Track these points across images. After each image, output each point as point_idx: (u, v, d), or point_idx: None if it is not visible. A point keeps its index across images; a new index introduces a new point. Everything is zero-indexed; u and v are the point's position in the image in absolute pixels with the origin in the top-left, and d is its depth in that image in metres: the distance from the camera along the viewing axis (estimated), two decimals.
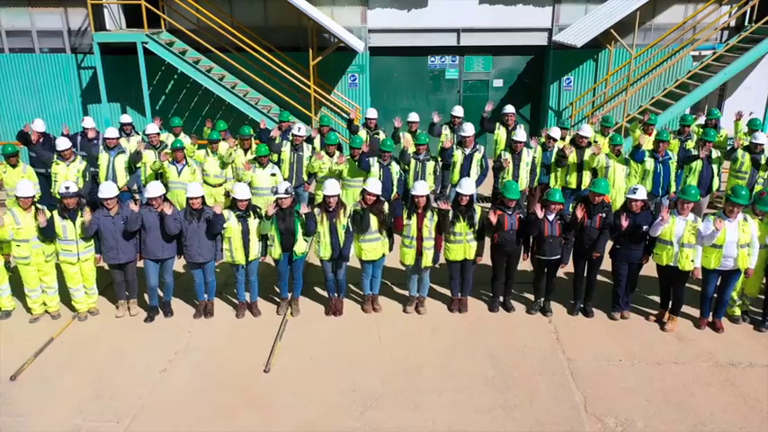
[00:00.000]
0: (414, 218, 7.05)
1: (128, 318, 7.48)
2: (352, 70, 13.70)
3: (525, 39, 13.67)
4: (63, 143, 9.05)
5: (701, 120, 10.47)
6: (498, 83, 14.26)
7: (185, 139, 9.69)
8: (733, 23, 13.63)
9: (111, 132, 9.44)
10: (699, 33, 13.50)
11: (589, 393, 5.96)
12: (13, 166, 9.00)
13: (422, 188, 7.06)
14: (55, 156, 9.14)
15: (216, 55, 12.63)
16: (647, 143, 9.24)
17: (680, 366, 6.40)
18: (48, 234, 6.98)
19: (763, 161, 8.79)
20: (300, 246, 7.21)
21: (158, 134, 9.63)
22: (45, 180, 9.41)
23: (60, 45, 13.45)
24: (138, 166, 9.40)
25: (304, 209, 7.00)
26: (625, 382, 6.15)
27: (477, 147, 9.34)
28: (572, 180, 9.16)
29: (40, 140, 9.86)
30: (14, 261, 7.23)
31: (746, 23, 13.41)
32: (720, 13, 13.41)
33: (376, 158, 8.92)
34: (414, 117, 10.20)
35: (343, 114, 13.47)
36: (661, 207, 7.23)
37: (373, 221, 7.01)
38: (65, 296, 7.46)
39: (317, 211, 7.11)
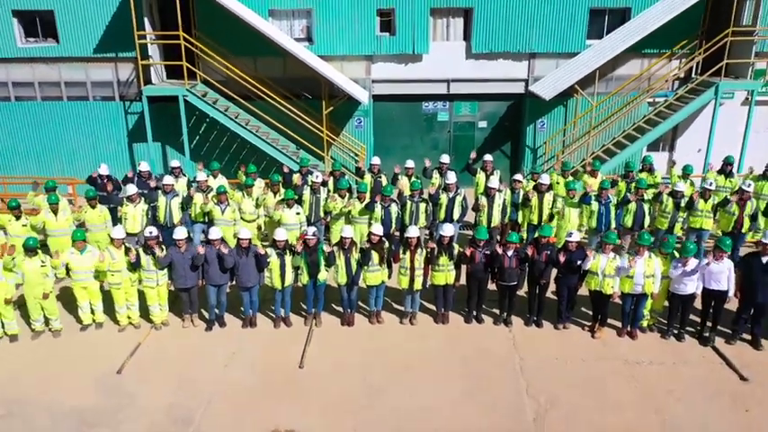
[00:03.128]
0: (407, 253, 9.46)
1: (191, 328, 9.89)
2: (359, 114, 16.13)
3: (505, 87, 16.12)
4: (131, 189, 11.46)
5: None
6: (483, 124, 16.72)
7: (224, 182, 12.13)
8: (682, 75, 16.06)
9: (168, 180, 11.82)
10: (653, 83, 15.95)
11: (531, 382, 8.36)
12: (93, 207, 11.40)
13: (414, 232, 9.47)
14: (124, 198, 11.57)
15: (242, 102, 15.07)
16: (595, 186, 11.66)
17: (600, 363, 8.80)
18: (136, 266, 9.40)
19: (682, 204, 11.18)
20: (323, 274, 9.62)
21: (206, 180, 12.04)
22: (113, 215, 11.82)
23: (110, 94, 15.91)
24: (189, 206, 11.80)
25: (327, 248, 9.41)
26: (558, 374, 8.54)
27: (459, 191, 11.74)
28: (534, 218, 11.53)
29: (114, 191, 12.24)
30: (108, 286, 9.62)
31: (693, 75, 15.83)
32: (671, 66, 15.86)
33: (378, 201, 11.28)
34: (410, 164, 12.64)
35: (351, 153, 15.90)
36: (587, 249, 9.57)
37: (375, 257, 9.42)
38: (143, 312, 9.87)
39: (335, 248, 9.51)
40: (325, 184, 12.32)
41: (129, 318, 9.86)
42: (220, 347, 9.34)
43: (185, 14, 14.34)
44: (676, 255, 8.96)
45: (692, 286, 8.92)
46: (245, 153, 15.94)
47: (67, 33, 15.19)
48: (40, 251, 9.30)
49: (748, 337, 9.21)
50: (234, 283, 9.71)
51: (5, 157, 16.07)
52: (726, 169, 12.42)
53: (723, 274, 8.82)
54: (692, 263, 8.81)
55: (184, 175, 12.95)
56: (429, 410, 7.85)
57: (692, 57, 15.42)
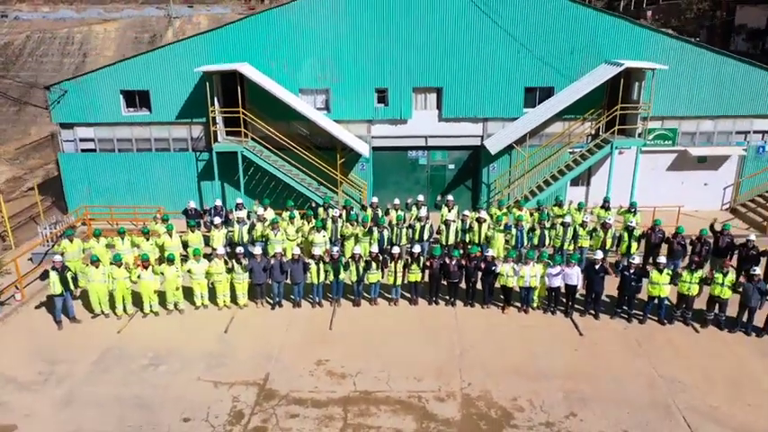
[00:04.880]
0: (393, 262, 15.84)
1: (262, 308, 16.28)
2: (362, 160, 22.47)
3: (466, 141, 22.49)
4: (218, 220, 17.88)
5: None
6: (451, 167, 23.12)
7: (273, 214, 18.55)
8: (592, 132, 22.43)
9: (240, 213, 18.23)
10: (572, 139, 22.32)
11: (462, 336, 14.72)
12: (193, 231, 17.79)
13: (396, 249, 15.88)
14: (212, 226, 17.96)
15: (279, 153, 21.44)
16: (525, 216, 18.04)
17: (505, 327, 15.14)
18: (230, 270, 15.79)
19: (569, 232, 17.51)
20: (342, 275, 16.01)
21: (263, 213, 18.41)
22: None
23: (185, 147, 22.30)
24: (252, 232, 18.15)
25: (344, 260, 15.83)
26: (479, 333, 14.87)
27: (428, 221, 18.10)
28: (475, 239, 17.86)
29: (207, 220, 18.65)
30: (211, 280, 15.99)
31: (600, 133, 22.18)
32: (584, 127, 22.25)
33: (376, 228, 17.64)
34: (396, 201, 19.02)
35: (356, 188, 22.29)
36: (497, 260, 15.91)
37: (374, 265, 15.82)
38: (232, 299, 16.25)
39: (349, 260, 15.90)
40: (340, 216, 18.74)
41: (224, 302, 16.25)
42: (280, 319, 15.73)
43: (237, 91, 20.71)
44: (550, 263, 15.37)
45: (557, 282, 15.30)
46: (281, 189, 22.26)
47: (158, 105, 21.59)
48: (175, 261, 15.73)
49: (592, 312, 15.59)
50: (288, 280, 16.10)
51: (112, 192, 22.41)
52: (605, 205, 18.82)
53: (575, 275, 15.20)
54: (557, 269, 15.21)
55: (245, 208, 19.35)
56: (402, 349, 14.22)
57: (598, 121, 21.81)
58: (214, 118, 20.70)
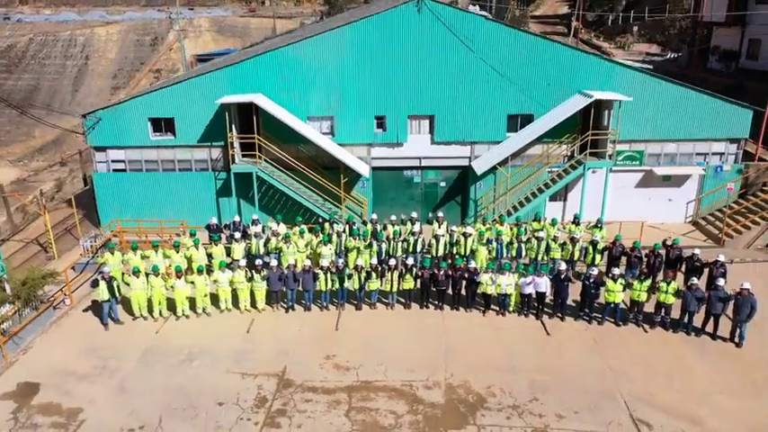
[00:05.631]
0: (389, 272, 18.56)
1: (278, 311, 19.01)
2: (363, 179, 25.20)
3: (456, 162, 25.21)
4: (237, 234, 20.61)
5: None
6: (443, 184, 25.86)
7: (285, 228, 21.26)
8: (569, 154, 25.15)
9: (257, 229, 20.97)
10: (550, 159, 25.05)
11: (448, 336, 17.43)
12: (216, 244, 20.52)
13: (392, 261, 18.62)
14: (233, 240, 20.68)
15: (289, 173, 24.19)
16: (505, 231, 20.75)
17: (483, 329, 17.84)
18: (250, 279, 18.51)
19: (542, 246, 20.23)
20: (346, 283, 18.73)
21: (277, 229, 21.13)
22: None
23: (206, 167, 25.04)
24: (267, 245, 20.86)
25: (349, 271, 18.57)
26: (462, 333, 17.58)
27: (421, 235, 20.83)
28: (462, 251, 20.57)
29: (228, 234, 21.39)
30: (233, 287, 18.71)
31: (575, 155, 24.90)
32: (561, 149, 24.96)
33: (375, 242, 20.35)
34: (393, 218, 21.76)
35: (357, 204, 25.02)
36: (479, 270, 18.62)
37: (373, 275, 18.54)
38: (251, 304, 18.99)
39: (353, 271, 18.63)
40: (344, 230, 21.46)
41: (245, 306, 18.98)
42: (294, 320, 18.46)
43: (252, 118, 23.42)
44: (524, 273, 18.10)
45: (528, 289, 18.02)
46: (291, 204, 24.97)
47: (181, 130, 24.33)
48: (204, 272, 18.47)
49: (559, 315, 18.30)
50: (300, 288, 18.83)
51: (139, 207, 25.11)
52: (575, 221, 21.56)
53: (544, 284, 17.92)
54: (529, 278, 17.94)
55: (260, 223, 22.07)
56: (397, 346, 16.92)
57: (573, 144, 24.54)
58: (232, 142, 23.41)
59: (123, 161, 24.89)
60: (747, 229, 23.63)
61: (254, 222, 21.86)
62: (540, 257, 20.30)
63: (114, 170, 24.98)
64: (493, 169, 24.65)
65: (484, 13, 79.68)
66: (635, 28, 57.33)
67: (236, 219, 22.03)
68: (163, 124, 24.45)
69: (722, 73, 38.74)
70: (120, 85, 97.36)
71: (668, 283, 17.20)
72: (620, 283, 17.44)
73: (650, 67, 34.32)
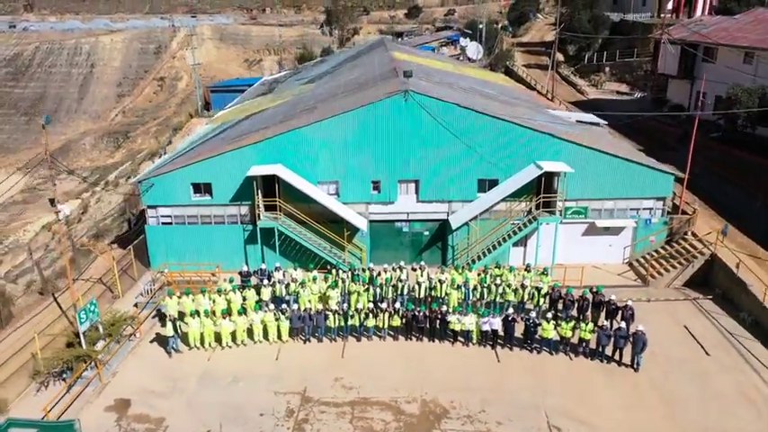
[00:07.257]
0: (381, 314, 24.71)
1: (297, 342, 25.16)
2: (361, 231, 31.31)
3: (437, 215, 31.35)
4: (266, 281, 26.77)
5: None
6: (426, 233, 32.02)
7: (302, 274, 27.43)
8: (528, 209, 31.27)
9: (279, 275, 27.13)
10: (513, 214, 31.19)
11: (425, 367, 23.56)
12: (248, 288, 26.65)
13: (384, 305, 24.80)
14: (261, 286, 26.82)
15: (301, 225, 30.36)
16: (472, 277, 26.90)
17: (455, 356, 23.98)
18: (278, 319, 24.69)
19: (500, 289, 26.36)
20: (349, 322, 24.88)
21: (295, 275, 27.28)
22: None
23: (236, 221, 31.18)
24: (288, 289, 26.98)
25: (351, 312, 24.76)
26: (441, 358, 23.69)
27: (407, 281, 26.98)
28: (438, 295, 26.69)
29: (258, 280, 27.58)
30: (263, 324, 24.85)
31: (533, 210, 31.01)
32: (522, 206, 31.10)
33: (371, 286, 26.48)
34: (386, 266, 27.93)
35: (357, 250, 31.18)
36: (448, 312, 24.76)
37: (370, 315, 24.71)
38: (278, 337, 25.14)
39: (355, 312, 24.79)
40: (347, 276, 27.59)
41: (273, 339, 25.13)
42: (310, 350, 24.61)
43: (273, 183, 29.55)
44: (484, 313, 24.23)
45: (486, 327, 24.16)
46: (304, 252, 31.08)
47: (217, 192, 30.50)
48: (245, 313, 24.64)
49: (509, 346, 24.40)
50: (314, 324, 24.99)
51: (182, 253, 31.23)
52: (527, 268, 27.72)
53: (497, 323, 24.04)
54: (486, 318, 24.08)
55: (281, 268, 28.23)
56: (386, 369, 23.03)
57: (530, 203, 30.69)
58: (258, 204, 29.56)
59: (170, 216, 31.03)
60: (667, 271, 29.78)
61: (277, 269, 28.00)
62: (496, 299, 26.43)
63: (163, 223, 31.13)
64: (466, 222, 30.77)
65: (475, 43, 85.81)
66: (607, 68, 63.52)
67: (263, 266, 28.18)
68: (202, 187, 30.59)
69: (671, 124, 44.90)
70: (125, 93, 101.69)
71: (587, 324, 23.37)
72: (552, 323, 23.60)
73: (606, 122, 40.40)
